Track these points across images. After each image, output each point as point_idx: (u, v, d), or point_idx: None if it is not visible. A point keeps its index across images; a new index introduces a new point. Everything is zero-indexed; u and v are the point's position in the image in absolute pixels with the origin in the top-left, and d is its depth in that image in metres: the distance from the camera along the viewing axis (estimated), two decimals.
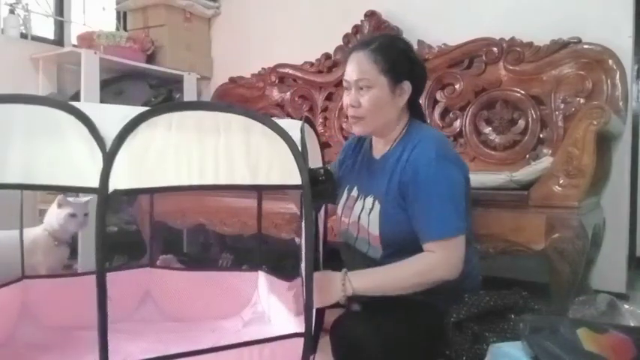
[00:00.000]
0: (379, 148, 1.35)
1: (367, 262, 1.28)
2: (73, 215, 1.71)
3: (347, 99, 1.30)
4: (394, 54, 1.28)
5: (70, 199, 1.75)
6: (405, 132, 1.31)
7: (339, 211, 1.40)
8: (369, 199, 1.30)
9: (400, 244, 1.24)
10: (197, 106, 0.94)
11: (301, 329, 1.04)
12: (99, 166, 0.82)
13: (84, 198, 1.78)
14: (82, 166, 0.83)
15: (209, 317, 1.52)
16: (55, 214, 1.72)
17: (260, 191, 1.59)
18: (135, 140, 0.85)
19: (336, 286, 1.13)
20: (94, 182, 0.82)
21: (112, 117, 0.85)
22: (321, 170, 1.14)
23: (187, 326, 1.45)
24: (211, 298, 1.55)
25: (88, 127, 0.83)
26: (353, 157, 1.45)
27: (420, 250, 1.20)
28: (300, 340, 1.02)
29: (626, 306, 1.18)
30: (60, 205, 1.72)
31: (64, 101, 0.86)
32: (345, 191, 1.40)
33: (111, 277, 1.49)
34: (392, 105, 1.28)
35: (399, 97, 1.28)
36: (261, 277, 1.61)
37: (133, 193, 0.88)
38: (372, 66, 1.25)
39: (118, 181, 0.83)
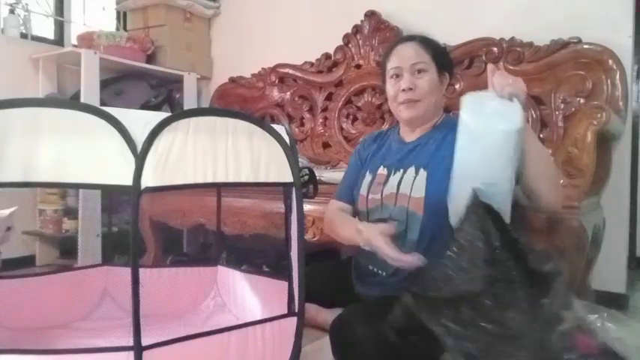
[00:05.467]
0: (413, 135, 1.43)
1: (400, 241, 1.30)
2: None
3: (397, 85, 1.38)
4: (437, 45, 1.43)
5: None
6: (442, 120, 1.42)
7: (363, 192, 1.44)
8: (410, 170, 1.36)
9: (443, 207, 1.27)
10: (210, 112, 1.06)
11: (261, 316, 1.20)
12: (130, 165, 0.91)
13: (6, 211, 1.72)
14: (113, 166, 0.92)
15: (171, 311, 1.57)
16: None
17: (219, 188, 1.70)
18: (160, 142, 0.94)
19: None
20: (126, 180, 0.91)
21: (136, 121, 0.94)
22: (306, 170, 1.23)
23: (151, 320, 1.47)
24: (171, 294, 1.62)
25: (120, 130, 0.91)
26: (373, 146, 1.52)
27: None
28: (293, 320, 1.15)
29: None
30: None
31: (95, 106, 0.94)
32: (368, 174, 1.46)
33: (66, 277, 1.55)
34: (439, 91, 1.41)
35: (443, 84, 1.42)
36: (220, 271, 1.70)
37: (160, 190, 0.96)
38: (425, 52, 1.37)
39: (147, 180, 0.92)
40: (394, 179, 1.37)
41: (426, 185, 1.30)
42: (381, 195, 1.38)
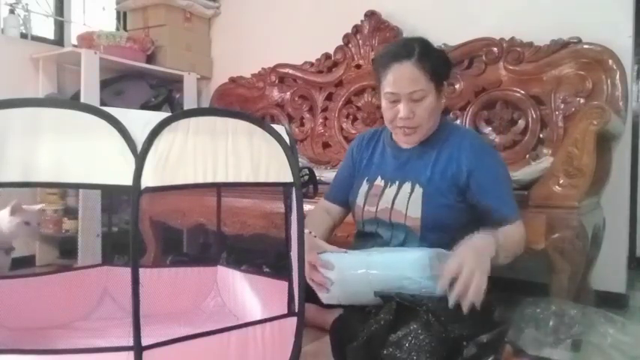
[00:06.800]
0: (409, 143, 1.38)
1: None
2: (27, 223, 1.66)
3: (394, 110, 1.30)
4: (435, 59, 1.31)
5: (25, 206, 1.69)
6: (439, 126, 1.37)
7: (359, 202, 1.42)
8: (407, 185, 1.34)
9: (440, 227, 1.29)
10: (210, 112, 1.06)
11: (261, 316, 1.21)
12: (130, 165, 0.90)
13: (36, 206, 1.76)
14: (113, 166, 0.92)
15: (171, 311, 1.57)
16: (7, 220, 1.65)
17: (219, 188, 1.70)
18: (160, 142, 0.94)
19: (490, 254, 1.12)
20: (126, 180, 0.91)
21: (136, 121, 0.94)
22: (306, 170, 1.23)
23: (151, 320, 1.48)
24: (171, 294, 1.61)
25: (120, 130, 0.91)
26: (368, 151, 1.49)
27: (457, 234, 1.25)
28: (293, 320, 1.15)
29: (574, 310, 1.18)
30: (14, 212, 1.65)
31: (95, 106, 0.94)
32: (365, 182, 1.44)
33: (66, 277, 1.55)
34: (439, 108, 1.34)
35: (442, 98, 1.36)
36: (220, 271, 1.70)
37: (160, 190, 0.95)
38: (422, 76, 1.27)
39: (147, 180, 0.92)
40: (389, 193, 1.36)
41: (422, 204, 1.30)
42: (376, 208, 1.37)
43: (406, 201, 1.32)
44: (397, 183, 1.36)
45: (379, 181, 1.40)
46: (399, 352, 1.00)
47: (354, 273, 1.20)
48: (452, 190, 1.30)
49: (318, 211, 1.52)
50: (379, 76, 1.34)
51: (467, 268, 1.05)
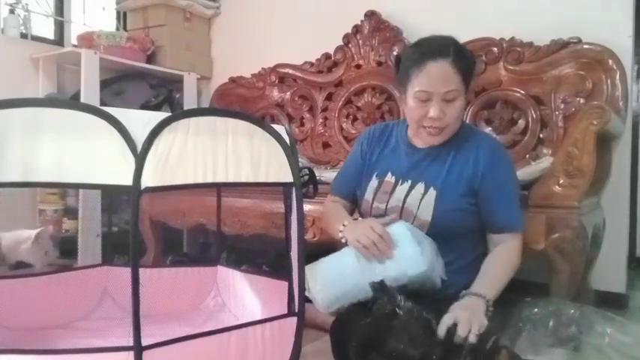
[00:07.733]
0: (424, 139, 1.35)
1: None
2: (47, 253, 1.70)
3: (424, 110, 1.26)
4: (468, 60, 1.29)
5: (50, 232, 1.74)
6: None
7: (368, 197, 1.40)
8: (420, 186, 1.32)
9: (448, 229, 1.28)
10: (210, 112, 1.06)
11: (261, 316, 1.21)
12: (130, 165, 0.91)
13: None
14: (113, 166, 0.92)
15: (171, 311, 1.58)
16: (30, 246, 1.67)
17: (219, 188, 1.72)
18: (160, 142, 0.94)
19: (483, 311, 1.13)
20: (126, 180, 0.91)
21: (136, 121, 0.94)
22: (306, 169, 1.23)
23: (151, 320, 1.48)
24: (171, 294, 1.62)
25: (120, 130, 0.91)
26: (379, 145, 1.45)
27: (462, 239, 1.29)
28: (293, 320, 1.16)
29: (572, 310, 1.19)
30: (38, 239, 1.67)
31: (95, 106, 0.94)
32: (375, 177, 1.41)
33: (66, 277, 1.55)
34: (465, 108, 1.34)
35: (467, 99, 1.34)
36: (220, 271, 1.71)
37: (160, 190, 0.95)
38: (456, 75, 1.24)
39: (147, 180, 0.92)
40: (400, 191, 1.34)
41: (434, 207, 1.28)
42: (386, 206, 1.35)
43: (418, 202, 1.30)
44: (410, 182, 1.34)
45: (389, 177, 1.38)
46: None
47: (346, 269, 1.24)
48: (466, 193, 1.29)
49: (333, 203, 1.49)
50: (408, 75, 1.28)
51: (463, 320, 1.05)
